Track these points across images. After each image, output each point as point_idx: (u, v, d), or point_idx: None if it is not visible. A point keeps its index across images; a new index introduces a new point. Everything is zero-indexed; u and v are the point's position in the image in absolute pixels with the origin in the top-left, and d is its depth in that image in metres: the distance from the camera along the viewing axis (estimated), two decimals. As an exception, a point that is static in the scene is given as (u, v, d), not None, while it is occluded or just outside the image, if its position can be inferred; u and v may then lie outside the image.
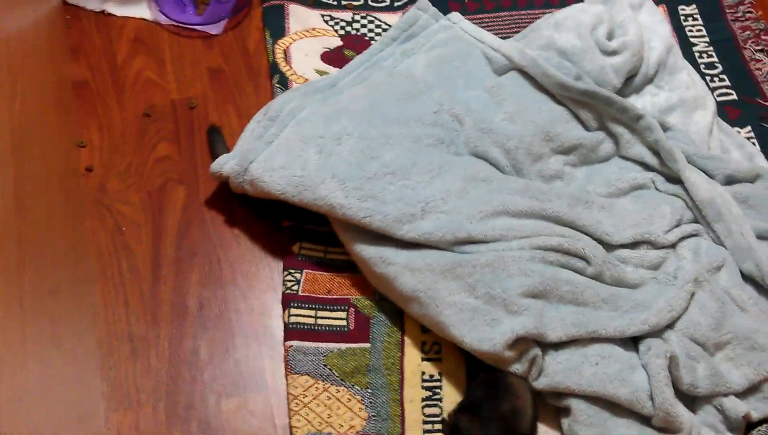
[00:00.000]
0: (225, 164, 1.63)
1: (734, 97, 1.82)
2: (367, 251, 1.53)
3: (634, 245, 1.55)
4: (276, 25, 1.91)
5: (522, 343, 1.40)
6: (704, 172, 1.62)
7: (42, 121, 1.64)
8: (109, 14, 1.95)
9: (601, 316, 1.44)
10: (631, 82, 1.76)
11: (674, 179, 1.62)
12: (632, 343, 1.45)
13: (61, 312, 1.50)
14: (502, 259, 1.47)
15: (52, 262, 1.50)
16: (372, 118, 1.64)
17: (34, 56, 1.67)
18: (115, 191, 1.70)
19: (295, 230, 1.63)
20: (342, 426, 1.43)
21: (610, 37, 1.77)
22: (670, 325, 1.44)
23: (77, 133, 1.77)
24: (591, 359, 1.40)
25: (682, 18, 1.96)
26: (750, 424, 1.42)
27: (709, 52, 1.89)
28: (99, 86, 1.84)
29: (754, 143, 1.74)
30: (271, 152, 1.60)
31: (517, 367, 1.39)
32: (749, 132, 1.77)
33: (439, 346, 1.51)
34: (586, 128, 1.67)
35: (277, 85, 1.82)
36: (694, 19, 1.95)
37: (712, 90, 1.82)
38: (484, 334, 1.40)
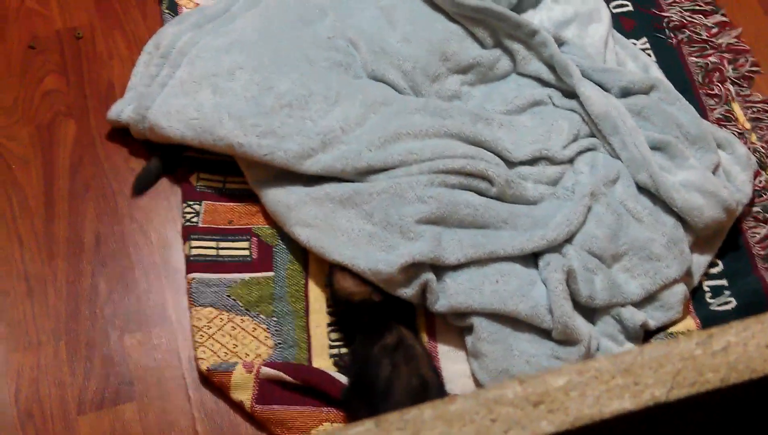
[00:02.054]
0: (122, 111, 1.59)
1: (630, 8, 1.82)
2: (269, 184, 1.52)
3: (533, 162, 1.55)
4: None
5: (414, 268, 1.40)
6: (600, 85, 1.62)
7: None
8: (-15, -60, 1.85)
9: (501, 235, 1.45)
10: (527, -1, 1.75)
11: (571, 94, 1.62)
12: (533, 259, 1.46)
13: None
14: (398, 186, 1.46)
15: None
16: (265, 46, 1.60)
17: None
18: (1, 128, 1.64)
19: (192, 160, 1.59)
20: (248, 355, 1.43)
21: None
22: (568, 240, 1.46)
23: (-43, 68, 1.70)
24: (491, 277, 1.41)
25: None
26: (648, 333, 1.45)
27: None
28: (-23, 18, 1.76)
29: (650, 54, 1.75)
30: (167, 95, 1.56)
31: (406, 291, 1.40)
32: (645, 43, 1.78)
33: (343, 272, 1.51)
34: (483, 46, 1.66)
35: (167, 11, 1.76)
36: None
37: (608, 1, 1.81)
38: (380, 256, 1.40)
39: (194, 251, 1.50)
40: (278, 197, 1.50)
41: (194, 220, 1.54)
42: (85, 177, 1.60)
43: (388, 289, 1.41)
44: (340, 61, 1.61)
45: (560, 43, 1.66)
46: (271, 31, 1.63)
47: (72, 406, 1.39)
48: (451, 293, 1.41)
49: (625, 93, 1.62)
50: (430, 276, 1.40)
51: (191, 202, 1.55)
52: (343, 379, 1.39)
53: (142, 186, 1.58)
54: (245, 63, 1.56)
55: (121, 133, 1.63)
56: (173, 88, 1.57)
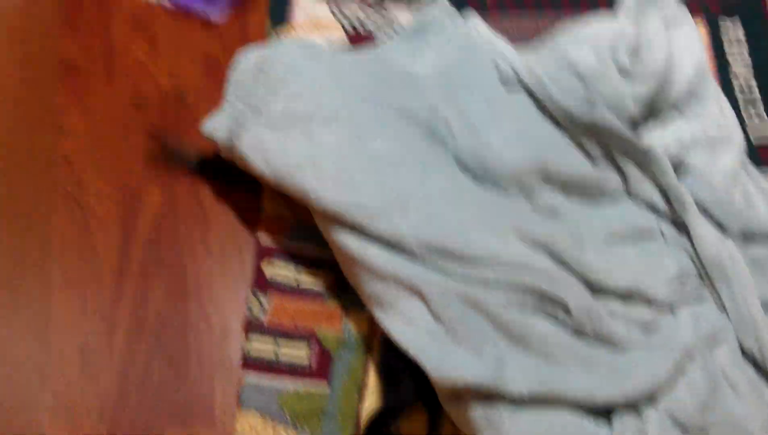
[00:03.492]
0: (215, 130, 1.52)
1: (772, 138, 1.63)
2: (343, 240, 1.40)
3: (627, 298, 1.40)
4: (280, 13, 1.78)
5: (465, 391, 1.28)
6: (719, 223, 1.44)
7: (21, 102, 1.55)
8: (108, -9, 1.84)
9: (569, 377, 1.30)
10: (654, 110, 1.59)
11: (684, 227, 1.46)
12: (605, 414, 1.31)
13: (10, 312, 1.43)
14: (474, 298, 1.33)
15: (9, 258, 1.43)
16: (367, 99, 1.50)
17: (24, 31, 1.57)
18: (89, 185, 1.61)
19: (269, 249, 1.52)
20: (285, 474, 1.34)
21: (634, 57, 1.59)
22: (650, 399, 1.30)
23: (59, 118, 1.68)
24: (552, 431, 1.27)
25: (725, 40, 1.74)
26: None
27: (751, 83, 1.68)
28: (88, 68, 1.74)
29: (787, 193, 1.56)
30: (259, 126, 1.48)
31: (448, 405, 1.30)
32: (784, 180, 1.58)
33: (399, 399, 1.40)
34: (591, 160, 1.51)
35: (272, 83, 1.70)
36: (739, 43, 1.74)
37: (747, 127, 1.62)
38: (432, 359, 1.27)
39: (252, 349, 1.43)
40: (348, 262, 1.40)
41: (259, 314, 1.47)
42: (160, 251, 1.55)
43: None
44: (433, 140, 1.50)
45: (683, 168, 1.49)
46: (377, 85, 1.53)
47: (99, 497, 1.35)
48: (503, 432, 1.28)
49: (747, 238, 1.44)
50: (476, 403, 1.27)
51: (260, 295, 1.48)
52: None
53: None
54: (342, 113, 1.46)
55: (204, 208, 1.58)
56: (267, 119, 1.47)
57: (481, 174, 1.49)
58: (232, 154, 1.53)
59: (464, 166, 1.50)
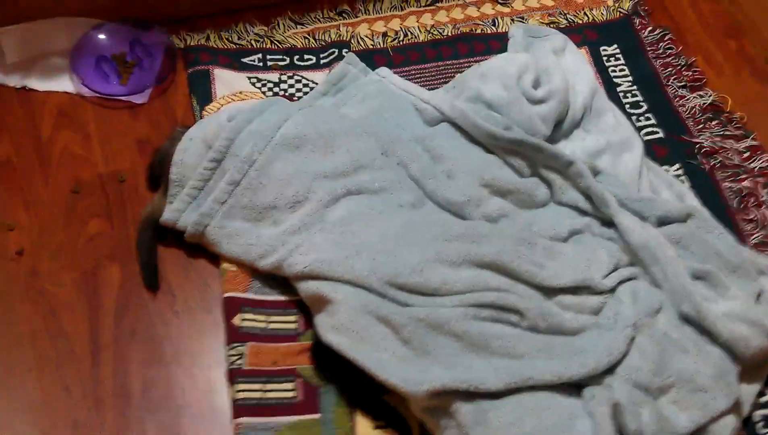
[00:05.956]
0: (179, 220, 1.65)
1: (661, 135, 1.85)
2: (314, 288, 1.54)
3: (575, 290, 1.55)
4: (202, 90, 1.89)
5: (446, 396, 1.39)
6: (637, 214, 1.64)
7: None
8: (31, 90, 1.91)
9: (537, 363, 1.45)
10: (560, 128, 1.78)
11: (609, 223, 1.64)
12: (575, 390, 1.45)
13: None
14: (435, 317, 1.47)
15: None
16: (319, 175, 1.64)
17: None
18: (47, 273, 1.66)
19: (236, 301, 1.61)
20: (291, 507, 1.42)
21: (536, 84, 1.79)
22: (610, 371, 1.45)
23: (3, 215, 1.73)
24: (531, 412, 1.40)
25: (605, 58, 1.98)
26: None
27: (633, 92, 1.92)
28: (23, 165, 1.80)
29: (683, 181, 1.77)
30: (227, 216, 1.63)
31: (444, 422, 1.40)
32: (678, 169, 1.79)
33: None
34: (520, 175, 1.69)
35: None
36: (616, 59, 1.98)
37: (639, 129, 1.84)
38: (411, 375, 1.39)
39: (240, 395, 1.50)
40: (318, 300, 1.53)
41: (239, 362, 1.54)
42: (131, 321, 1.61)
43: (421, 417, 1.41)
44: (387, 185, 1.66)
45: (595, 172, 1.68)
46: (325, 153, 1.67)
47: None
48: (493, 429, 1.39)
49: (662, 222, 1.63)
50: (460, 406, 1.39)
51: (236, 344, 1.56)
52: None
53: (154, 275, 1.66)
54: (304, 194, 1.62)
55: (164, 276, 1.65)
56: (234, 210, 1.63)
57: (437, 200, 1.66)
58: (200, 241, 1.65)
59: (422, 192, 1.67)
